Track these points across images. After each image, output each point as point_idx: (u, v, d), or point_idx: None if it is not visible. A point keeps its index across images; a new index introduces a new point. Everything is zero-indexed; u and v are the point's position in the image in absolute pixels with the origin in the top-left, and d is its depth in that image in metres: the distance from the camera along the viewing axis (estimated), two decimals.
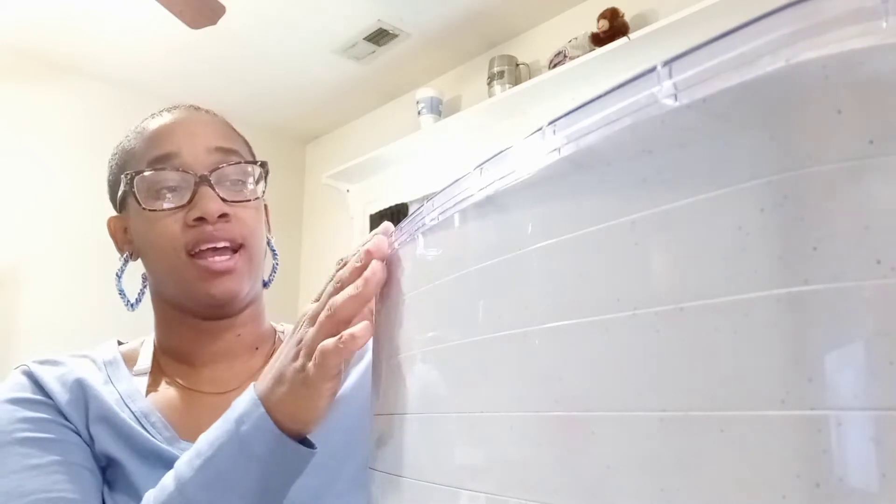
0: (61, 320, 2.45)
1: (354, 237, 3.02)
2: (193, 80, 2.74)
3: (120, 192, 0.63)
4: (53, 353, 0.63)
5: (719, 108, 0.21)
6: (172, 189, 0.60)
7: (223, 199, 0.60)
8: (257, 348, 0.68)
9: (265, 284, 0.70)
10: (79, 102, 2.69)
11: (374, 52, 2.58)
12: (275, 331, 0.72)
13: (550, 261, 0.26)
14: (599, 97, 0.25)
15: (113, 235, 0.67)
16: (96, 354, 0.64)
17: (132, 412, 0.58)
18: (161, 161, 0.60)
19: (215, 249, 0.59)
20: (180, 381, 0.63)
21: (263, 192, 0.64)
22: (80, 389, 0.57)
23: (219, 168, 0.61)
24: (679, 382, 0.21)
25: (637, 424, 0.22)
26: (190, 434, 0.57)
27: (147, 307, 0.67)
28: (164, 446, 0.56)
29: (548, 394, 0.25)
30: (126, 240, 0.65)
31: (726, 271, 0.20)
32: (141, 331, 0.69)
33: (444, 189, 0.36)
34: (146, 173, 0.60)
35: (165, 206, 0.60)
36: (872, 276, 0.17)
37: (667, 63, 0.22)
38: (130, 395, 0.60)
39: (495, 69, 2.36)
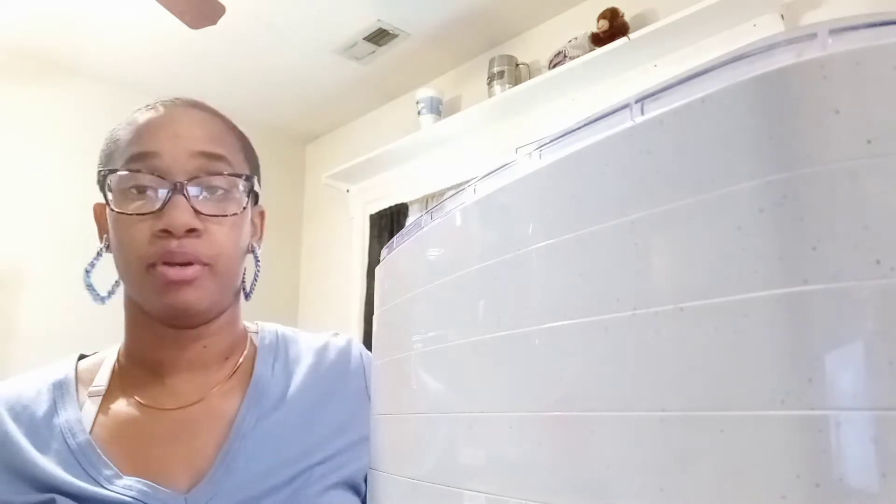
0: (61, 320, 2.45)
1: (354, 237, 3.02)
2: (193, 79, 2.74)
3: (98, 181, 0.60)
4: (5, 381, 0.61)
5: (718, 108, 0.21)
6: (144, 192, 0.56)
7: (197, 212, 0.56)
8: (227, 358, 0.64)
9: (246, 296, 0.66)
10: (78, 102, 2.69)
11: (374, 52, 2.58)
12: (247, 335, 0.68)
13: (550, 261, 0.26)
14: (589, 122, 0.25)
15: (97, 221, 0.63)
16: (50, 374, 0.61)
17: (69, 448, 0.55)
18: (139, 160, 0.56)
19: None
20: (139, 399, 0.60)
21: (245, 207, 0.60)
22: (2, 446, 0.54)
23: (198, 177, 0.57)
24: (679, 382, 0.21)
25: (637, 424, 0.22)
26: (136, 468, 0.55)
27: None
28: (92, 488, 0.52)
29: (548, 394, 0.25)
30: (105, 229, 0.62)
31: (726, 271, 0.20)
32: None
33: (443, 200, 0.36)
34: (120, 172, 0.57)
35: (134, 210, 0.56)
36: (872, 275, 0.17)
37: (639, 100, 0.23)
38: (71, 427, 0.56)
39: (495, 69, 2.36)
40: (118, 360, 0.64)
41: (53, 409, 0.58)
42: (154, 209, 0.55)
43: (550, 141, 0.27)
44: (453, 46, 2.55)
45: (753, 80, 0.20)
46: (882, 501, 0.16)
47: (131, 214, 0.56)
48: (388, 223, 2.79)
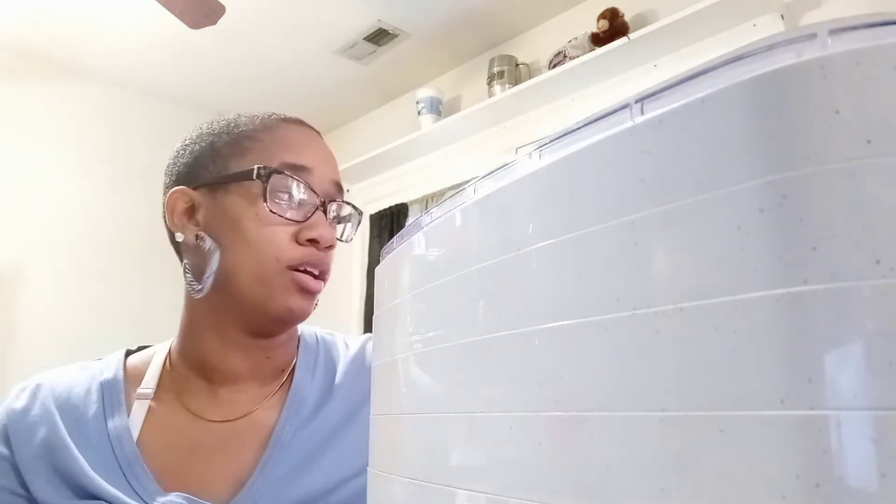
0: (61, 320, 2.45)
1: (354, 237, 3.02)
2: (193, 80, 2.74)
3: (224, 172, 0.58)
4: (56, 371, 0.61)
5: (718, 108, 0.21)
6: (295, 201, 0.59)
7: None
8: (283, 371, 0.65)
9: None
10: (79, 102, 2.69)
11: (374, 52, 2.58)
12: (298, 341, 0.68)
13: (550, 261, 0.26)
14: (589, 122, 0.25)
15: (171, 210, 0.60)
16: (100, 371, 0.61)
17: (116, 457, 0.55)
18: (296, 170, 0.59)
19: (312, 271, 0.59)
20: (187, 406, 0.60)
21: (351, 238, 0.67)
22: (49, 448, 0.54)
23: (335, 200, 0.62)
24: (679, 382, 0.21)
25: (637, 424, 0.22)
26: (179, 481, 0.55)
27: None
28: (134, 503, 0.53)
29: (548, 394, 0.25)
30: (191, 220, 0.60)
31: (726, 271, 0.20)
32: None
33: (444, 199, 0.36)
34: (286, 173, 0.58)
35: (288, 214, 0.58)
36: (872, 276, 0.17)
37: (639, 100, 0.23)
38: (119, 435, 0.56)
39: (495, 69, 2.36)
40: (169, 360, 0.63)
41: (102, 412, 0.58)
42: (301, 219, 0.59)
43: (550, 141, 0.27)
44: (453, 46, 2.55)
45: (753, 80, 0.20)
46: (882, 501, 0.16)
47: (283, 217, 0.58)
48: (388, 223, 2.79)
